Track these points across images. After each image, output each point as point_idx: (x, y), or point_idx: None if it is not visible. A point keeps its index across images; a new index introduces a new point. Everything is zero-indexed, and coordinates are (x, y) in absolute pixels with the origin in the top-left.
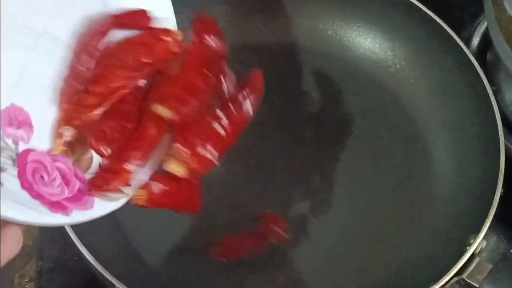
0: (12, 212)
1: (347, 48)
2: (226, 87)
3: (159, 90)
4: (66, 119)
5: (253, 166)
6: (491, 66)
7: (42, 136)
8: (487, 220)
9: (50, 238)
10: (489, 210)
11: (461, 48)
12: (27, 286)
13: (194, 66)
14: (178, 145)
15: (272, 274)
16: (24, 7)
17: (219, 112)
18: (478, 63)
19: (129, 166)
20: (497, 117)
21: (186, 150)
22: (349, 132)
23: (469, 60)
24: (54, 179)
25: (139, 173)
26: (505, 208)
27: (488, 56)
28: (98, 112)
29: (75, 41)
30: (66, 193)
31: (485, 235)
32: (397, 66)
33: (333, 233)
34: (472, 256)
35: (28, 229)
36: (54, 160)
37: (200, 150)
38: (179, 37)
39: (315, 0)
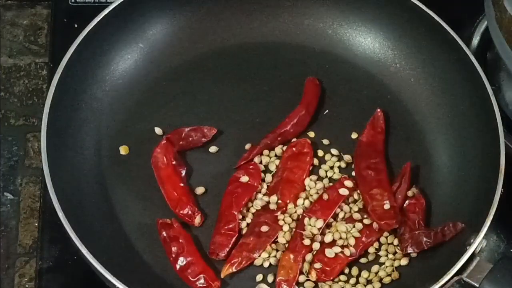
0: None
1: (347, 48)
2: None
3: None
4: None
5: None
6: (491, 66)
7: None
8: (487, 220)
9: (50, 238)
10: (489, 210)
11: (461, 48)
12: (27, 286)
13: None
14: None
15: None
16: None
17: None
18: (478, 62)
19: None
20: (497, 117)
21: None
22: (348, 132)
23: (469, 60)
24: None
25: None
26: (505, 208)
27: (488, 55)
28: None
29: None
30: None
31: (485, 235)
32: (397, 65)
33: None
34: (472, 256)
35: (28, 229)
36: None
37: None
38: None
39: (315, 0)
